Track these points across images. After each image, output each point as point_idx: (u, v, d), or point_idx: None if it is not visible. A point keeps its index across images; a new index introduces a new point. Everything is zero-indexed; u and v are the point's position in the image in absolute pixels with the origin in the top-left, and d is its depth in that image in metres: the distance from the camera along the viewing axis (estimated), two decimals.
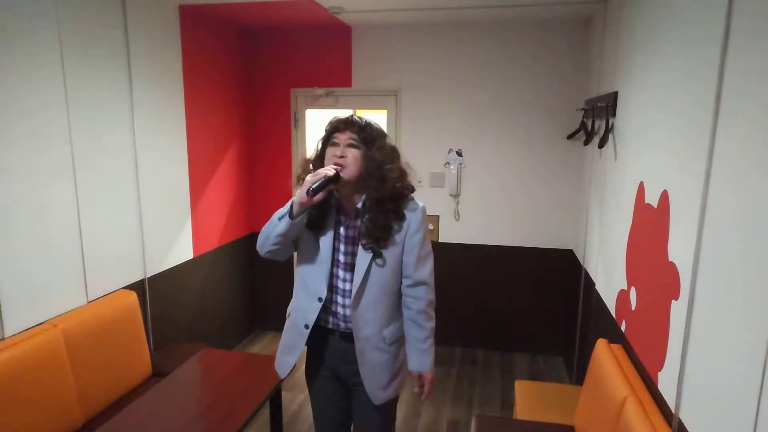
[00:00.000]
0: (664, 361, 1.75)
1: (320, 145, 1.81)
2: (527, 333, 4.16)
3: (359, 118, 1.76)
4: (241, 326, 4.33)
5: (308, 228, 1.79)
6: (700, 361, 1.49)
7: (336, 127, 1.75)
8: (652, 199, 1.98)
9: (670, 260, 1.75)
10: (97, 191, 2.68)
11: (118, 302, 2.71)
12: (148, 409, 2.16)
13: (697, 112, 1.60)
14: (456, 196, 4.07)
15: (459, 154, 4.01)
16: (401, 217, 1.77)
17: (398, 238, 1.77)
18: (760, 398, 1.15)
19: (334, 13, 3.49)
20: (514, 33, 3.78)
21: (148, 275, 3.10)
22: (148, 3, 2.99)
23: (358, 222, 1.78)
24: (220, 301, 3.96)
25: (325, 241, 1.79)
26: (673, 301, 1.69)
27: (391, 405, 1.95)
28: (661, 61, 1.99)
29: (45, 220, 2.36)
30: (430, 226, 4.04)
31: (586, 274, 3.28)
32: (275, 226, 1.72)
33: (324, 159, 1.76)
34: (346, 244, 1.80)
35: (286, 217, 1.69)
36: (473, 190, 4.05)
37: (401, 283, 1.84)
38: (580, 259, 3.51)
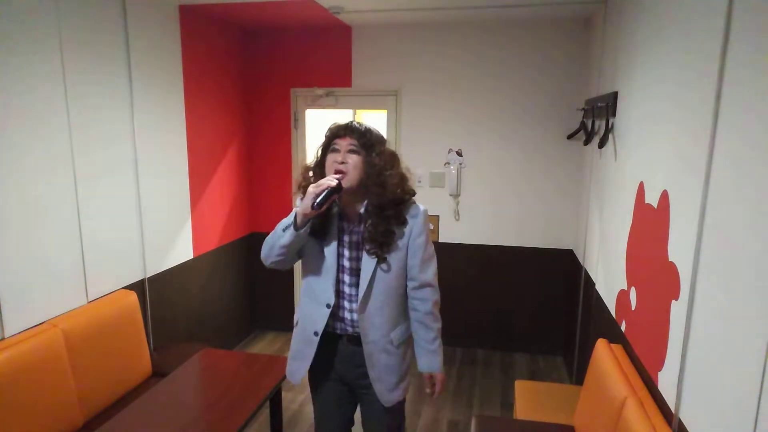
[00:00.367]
0: (664, 361, 1.75)
1: (320, 152, 1.81)
2: (527, 333, 4.16)
3: (359, 123, 1.77)
4: (241, 326, 4.33)
5: (312, 236, 1.79)
6: (700, 361, 1.49)
7: (336, 133, 1.76)
8: (652, 199, 1.98)
9: (670, 260, 1.75)
10: (98, 191, 2.68)
11: (118, 302, 2.71)
12: (148, 409, 2.16)
13: (697, 111, 1.59)
14: (456, 196, 4.07)
15: (459, 154, 4.01)
16: (403, 222, 1.78)
17: (401, 242, 1.78)
18: (760, 398, 1.15)
19: (334, 13, 3.49)
20: (514, 33, 3.78)
21: (148, 275, 3.10)
22: (148, 3, 2.99)
23: (361, 227, 1.79)
24: (220, 301, 3.96)
25: (330, 248, 1.79)
26: (673, 301, 1.69)
27: (400, 406, 1.95)
28: (661, 60, 1.99)
29: (45, 220, 2.36)
30: (431, 226, 4.04)
31: (586, 274, 3.28)
32: (279, 237, 1.73)
33: (324, 165, 1.77)
34: (350, 249, 1.80)
35: (291, 228, 1.70)
36: (473, 190, 4.05)
37: (406, 285, 1.85)
38: (580, 259, 3.51)
